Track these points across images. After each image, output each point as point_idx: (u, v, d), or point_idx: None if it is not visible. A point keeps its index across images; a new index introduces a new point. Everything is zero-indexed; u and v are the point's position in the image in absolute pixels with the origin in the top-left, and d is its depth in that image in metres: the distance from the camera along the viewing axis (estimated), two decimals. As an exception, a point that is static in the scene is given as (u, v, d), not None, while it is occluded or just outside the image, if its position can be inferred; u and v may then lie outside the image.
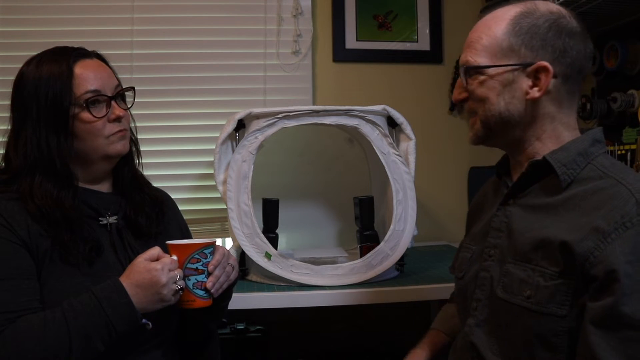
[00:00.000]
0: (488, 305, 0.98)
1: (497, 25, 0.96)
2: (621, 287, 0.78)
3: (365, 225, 1.62)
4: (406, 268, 1.62)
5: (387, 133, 1.55)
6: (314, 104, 2.12)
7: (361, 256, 1.55)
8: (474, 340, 0.98)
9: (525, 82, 0.95)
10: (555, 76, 0.93)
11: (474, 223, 1.13)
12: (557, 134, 0.97)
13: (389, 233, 1.52)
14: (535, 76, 0.94)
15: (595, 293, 0.82)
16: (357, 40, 2.18)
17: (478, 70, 0.97)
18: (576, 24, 0.95)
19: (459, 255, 1.12)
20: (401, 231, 1.53)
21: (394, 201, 1.52)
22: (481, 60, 0.97)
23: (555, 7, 0.96)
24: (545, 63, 0.93)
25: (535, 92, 0.94)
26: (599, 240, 0.82)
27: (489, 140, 1.02)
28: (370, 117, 1.53)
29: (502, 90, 0.96)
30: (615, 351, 0.79)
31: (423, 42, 2.21)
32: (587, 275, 0.83)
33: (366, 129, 1.52)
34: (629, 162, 1.64)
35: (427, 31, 2.21)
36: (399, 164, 1.54)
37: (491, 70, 0.96)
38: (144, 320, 1.00)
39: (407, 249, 1.56)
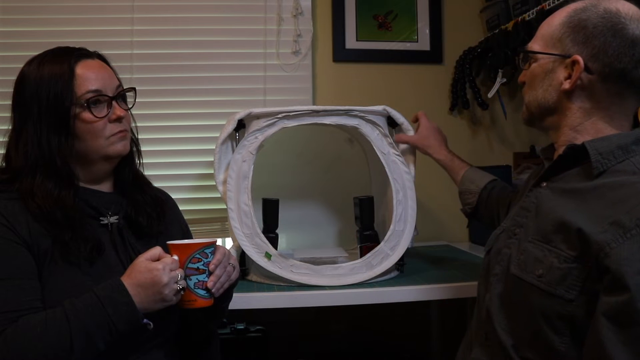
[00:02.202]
0: (503, 281, 0.99)
1: (559, 15, 0.99)
2: (636, 283, 0.78)
3: (365, 225, 1.62)
4: (406, 268, 1.61)
5: (387, 133, 1.55)
6: (314, 104, 2.12)
7: (361, 256, 1.55)
8: (489, 315, 0.99)
9: (562, 73, 0.97)
10: (591, 72, 0.94)
11: (515, 204, 1.13)
12: (597, 129, 0.97)
13: (389, 233, 1.52)
14: (572, 68, 0.96)
15: (609, 286, 0.82)
16: (357, 40, 2.18)
17: (529, 54, 1.02)
18: (635, 27, 0.92)
19: (493, 231, 1.14)
20: (401, 231, 1.53)
21: (394, 201, 1.52)
22: (536, 46, 1.02)
23: (616, 7, 0.94)
24: (578, 57, 0.94)
25: (566, 84, 0.96)
26: (618, 234, 0.83)
27: (532, 124, 1.06)
28: (370, 117, 1.53)
29: (544, 77, 1.00)
30: (625, 347, 0.79)
31: (423, 42, 2.21)
32: (601, 265, 0.83)
33: (366, 129, 1.52)
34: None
35: (427, 31, 2.21)
36: (399, 164, 1.54)
37: (538, 57, 1.01)
38: (145, 320, 1.00)
39: (407, 249, 1.56)
